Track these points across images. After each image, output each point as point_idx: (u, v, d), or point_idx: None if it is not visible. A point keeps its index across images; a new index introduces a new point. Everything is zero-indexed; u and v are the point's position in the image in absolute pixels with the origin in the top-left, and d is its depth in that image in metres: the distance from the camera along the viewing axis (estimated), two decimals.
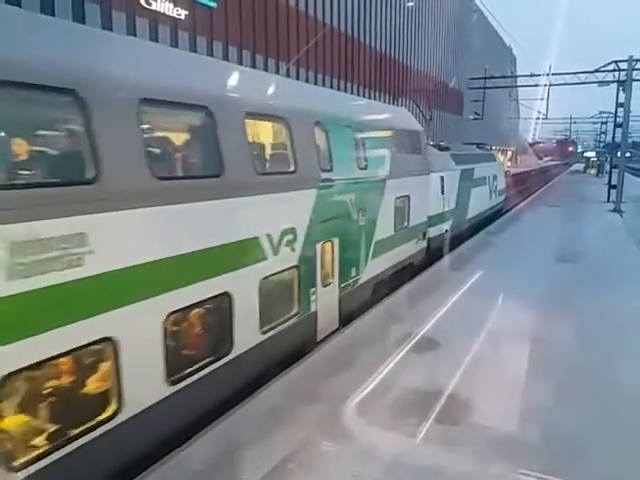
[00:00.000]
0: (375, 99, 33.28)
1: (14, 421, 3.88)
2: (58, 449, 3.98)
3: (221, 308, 5.84)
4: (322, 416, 5.55)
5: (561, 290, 10.55)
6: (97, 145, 4.26)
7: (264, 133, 7.15)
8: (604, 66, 27.60)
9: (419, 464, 4.73)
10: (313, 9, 28.04)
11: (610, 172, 31.20)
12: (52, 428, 4.03)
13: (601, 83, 28.62)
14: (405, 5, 39.63)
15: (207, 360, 5.59)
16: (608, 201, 27.54)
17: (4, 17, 4.26)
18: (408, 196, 11.56)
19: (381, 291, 10.21)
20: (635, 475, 4.72)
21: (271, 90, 7.37)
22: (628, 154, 48.23)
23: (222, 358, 5.78)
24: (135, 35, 17.29)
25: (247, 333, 6.23)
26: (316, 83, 27.50)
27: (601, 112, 48.05)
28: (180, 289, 5.11)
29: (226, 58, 21.55)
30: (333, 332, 8.26)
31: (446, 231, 15.18)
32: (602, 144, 59.09)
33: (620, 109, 26.45)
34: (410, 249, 12.06)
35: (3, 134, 4.10)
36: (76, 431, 4.13)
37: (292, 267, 7.15)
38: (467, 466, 4.68)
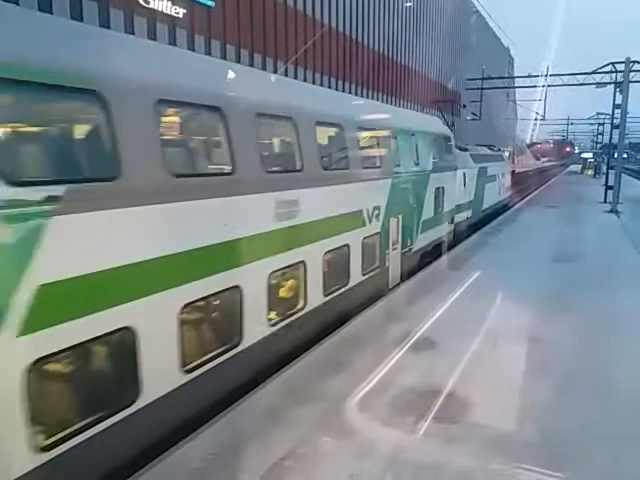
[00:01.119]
0: (373, 99, 33.30)
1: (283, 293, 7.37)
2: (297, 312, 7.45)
3: (345, 254, 8.79)
4: (320, 414, 5.54)
5: (558, 290, 10.57)
6: (302, 150, 7.35)
7: (367, 137, 10.06)
8: (601, 67, 27.73)
9: (417, 461, 4.73)
10: (311, 9, 28.04)
11: (607, 173, 31.31)
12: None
13: (598, 84, 28.73)
14: (404, 5, 39.67)
15: (339, 286, 8.61)
16: (605, 202, 27.61)
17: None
18: (443, 187, 14.25)
19: (424, 260, 12.94)
20: (631, 470, 4.73)
21: (376, 111, 11.81)
22: (625, 155, 48.38)
23: (344, 286, 8.79)
24: (133, 33, 17.25)
25: (356, 274, 9.19)
26: (314, 83, 27.49)
27: (598, 113, 48.24)
28: (331, 238, 8.14)
29: (224, 57, 21.52)
30: (396, 285, 10.97)
31: (467, 218, 18.15)
32: (599, 145, 59.33)
33: (617, 110, 26.54)
34: (443, 230, 14.66)
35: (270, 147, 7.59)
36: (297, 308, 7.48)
37: (377, 233, 10.04)
38: (466, 463, 4.68)
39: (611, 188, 26.61)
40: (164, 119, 5.35)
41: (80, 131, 4.75)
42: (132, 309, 4.53)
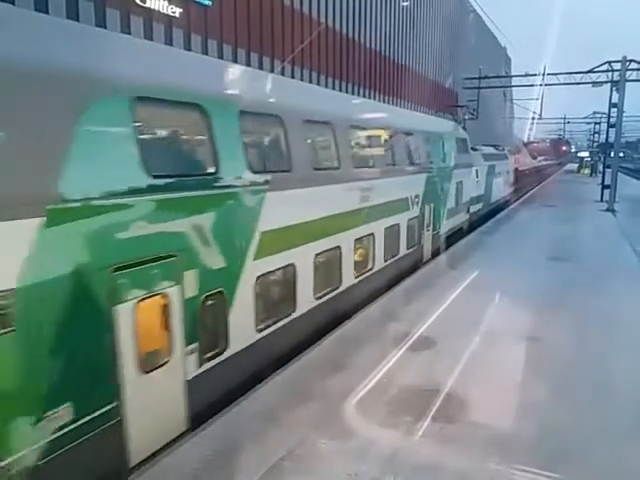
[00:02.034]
0: (370, 98, 33.29)
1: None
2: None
3: (397, 231, 11.30)
4: (318, 415, 5.54)
5: (555, 288, 10.59)
6: (373, 149, 10.36)
7: (411, 140, 12.54)
8: (598, 66, 27.75)
9: (415, 462, 4.73)
10: (308, 7, 27.99)
11: (603, 172, 31.34)
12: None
13: (595, 83, 28.76)
14: (400, 4, 39.64)
15: (392, 255, 11.17)
16: (601, 201, 27.66)
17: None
18: (462, 181, 16.83)
19: (447, 241, 15.37)
20: (627, 470, 4.73)
21: (416, 119, 16.41)
22: (621, 154, 48.47)
23: (396, 256, 11.39)
24: (129, 33, 17.18)
25: (403, 247, 11.75)
26: (311, 82, 27.45)
27: (595, 112, 48.31)
28: (389, 217, 10.71)
29: (221, 56, 21.47)
30: (427, 260, 13.48)
31: (479, 210, 20.57)
32: (595, 144, 59.35)
33: (613, 109, 26.57)
34: (461, 218, 17.37)
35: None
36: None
37: (416, 217, 12.52)
38: (464, 463, 4.68)
39: (608, 187, 26.65)
40: (306, 132, 7.88)
41: (273, 141, 7.38)
42: (294, 252, 7.16)
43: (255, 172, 6.30)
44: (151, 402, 4.78)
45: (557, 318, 8.70)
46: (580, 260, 13.43)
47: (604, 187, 28.50)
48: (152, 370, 4.77)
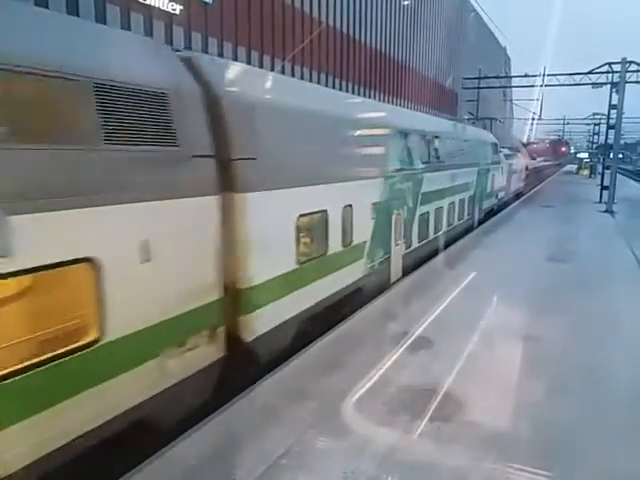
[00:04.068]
0: (370, 97, 33.30)
1: None
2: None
3: (464, 202, 17.57)
4: (317, 413, 5.55)
5: (552, 290, 10.62)
6: (460, 151, 16.82)
7: (471, 145, 19.15)
8: (598, 68, 27.76)
9: (412, 460, 4.75)
10: (309, 6, 27.99)
11: (602, 173, 31.38)
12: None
13: (595, 85, 28.76)
14: (401, 3, 39.64)
15: (461, 217, 17.35)
16: (600, 202, 27.69)
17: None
18: (494, 175, 22.91)
19: (488, 214, 21.77)
20: (622, 469, 4.76)
21: (474, 131, 23.25)
22: (620, 155, 48.43)
23: (462, 219, 17.69)
24: (129, 29, 17.17)
25: (465, 215, 17.87)
26: (311, 80, 27.47)
27: (594, 114, 48.29)
28: (462, 193, 17.32)
29: (221, 54, 21.46)
30: (476, 227, 19.23)
31: (502, 197, 26.18)
32: (595, 145, 59.32)
33: (613, 111, 26.60)
34: (493, 201, 23.64)
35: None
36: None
37: (472, 196, 18.54)
38: (460, 462, 4.70)
39: (606, 188, 26.67)
40: (431, 142, 13.67)
41: (425, 147, 13.09)
42: (429, 206, 13.23)
43: (422, 163, 12.47)
44: (395, 259, 11.10)
45: (554, 319, 8.72)
46: (578, 261, 13.46)
47: (603, 188, 28.54)
48: (396, 245, 11.05)
